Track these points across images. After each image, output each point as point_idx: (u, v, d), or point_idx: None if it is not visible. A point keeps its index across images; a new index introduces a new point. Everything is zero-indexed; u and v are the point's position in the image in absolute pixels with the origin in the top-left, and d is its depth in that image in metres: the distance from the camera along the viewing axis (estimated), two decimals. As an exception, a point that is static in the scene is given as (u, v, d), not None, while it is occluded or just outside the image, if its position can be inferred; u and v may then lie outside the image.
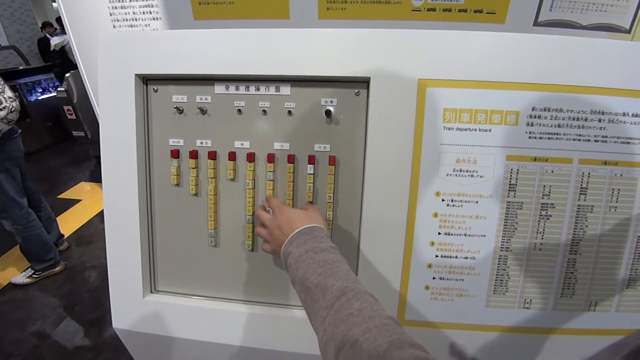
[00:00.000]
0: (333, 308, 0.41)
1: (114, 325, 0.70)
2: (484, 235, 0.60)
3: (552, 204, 0.59)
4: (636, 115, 0.57)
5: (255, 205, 0.66)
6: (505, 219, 0.60)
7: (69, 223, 2.69)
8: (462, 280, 0.62)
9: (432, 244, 0.61)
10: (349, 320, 0.39)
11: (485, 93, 0.57)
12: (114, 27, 0.97)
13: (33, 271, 2.10)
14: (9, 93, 1.69)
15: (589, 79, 0.56)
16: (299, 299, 0.48)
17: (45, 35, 5.48)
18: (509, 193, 0.59)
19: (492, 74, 0.57)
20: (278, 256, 0.56)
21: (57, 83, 4.12)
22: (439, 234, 0.61)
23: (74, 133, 3.36)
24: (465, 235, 0.61)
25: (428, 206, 0.60)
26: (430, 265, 0.62)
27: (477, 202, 0.60)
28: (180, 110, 0.65)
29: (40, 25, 5.84)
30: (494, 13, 0.83)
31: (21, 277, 2.09)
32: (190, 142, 0.66)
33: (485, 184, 0.59)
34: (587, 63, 0.56)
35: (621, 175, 0.58)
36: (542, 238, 0.60)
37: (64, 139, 4.22)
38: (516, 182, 0.59)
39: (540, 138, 0.58)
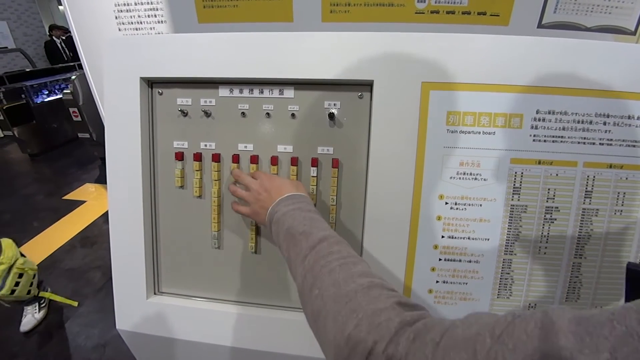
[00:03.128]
0: (314, 249, 0.44)
1: (117, 326, 0.70)
2: (488, 239, 0.60)
3: (557, 208, 0.59)
4: (642, 118, 0.56)
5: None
6: (509, 223, 0.60)
7: (73, 224, 2.71)
8: (466, 283, 0.62)
9: (436, 247, 0.61)
10: (328, 256, 0.43)
11: (488, 96, 0.57)
12: (119, 30, 0.98)
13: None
14: None
15: (593, 82, 0.56)
16: (281, 251, 0.50)
17: (52, 38, 5.54)
18: (513, 196, 0.59)
19: (495, 77, 0.57)
20: (257, 218, 0.59)
21: (63, 85, 4.16)
22: (443, 237, 0.61)
23: (79, 135, 3.38)
24: (469, 238, 0.60)
25: (431, 209, 0.60)
26: (433, 269, 0.62)
27: (480, 205, 0.59)
28: (184, 113, 0.65)
29: (47, 28, 5.91)
30: (498, 15, 0.83)
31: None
32: (194, 145, 0.66)
33: (489, 187, 0.59)
34: (591, 66, 0.56)
35: (626, 178, 0.58)
36: (547, 242, 0.60)
37: (69, 141, 4.26)
38: (520, 185, 0.59)
39: (545, 141, 0.57)
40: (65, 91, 3.17)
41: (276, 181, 0.58)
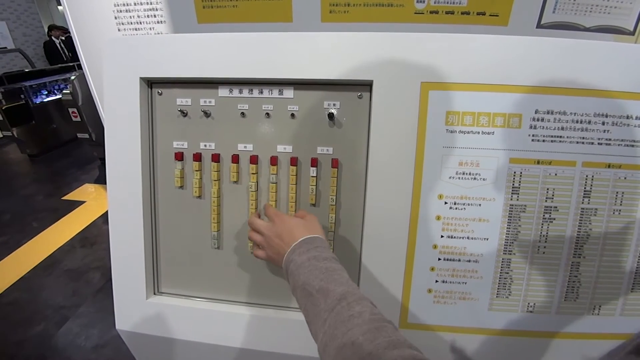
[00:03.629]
0: (334, 311, 0.42)
1: (117, 326, 0.70)
2: (487, 239, 0.60)
3: (556, 207, 0.59)
4: (640, 118, 0.56)
5: (258, 208, 0.66)
6: (508, 222, 0.60)
7: (73, 224, 2.70)
8: (465, 283, 0.62)
9: (435, 246, 0.61)
10: (349, 321, 0.39)
11: (488, 96, 0.57)
12: (119, 30, 0.98)
13: None
14: None
15: (592, 82, 0.56)
16: (299, 305, 0.49)
17: (52, 38, 5.53)
18: (512, 196, 0.59)
19: (494, 77, 0.57)
20: (274, 263, 0.56)
21: (62, 85, 4.16)
22: (442, 236, 0.61)
23: (79, 135, 3.38)
24: (468, 238, 0.60)
25: (431, 209, 0.60)
26: (433, 269, 0.62)
27: (480, 205, 0.59)
28: (184, 113, 0.66)
29: (46, 28, 5.91)
30: (497, 15, 0.83)
31: None
32: (194, 145, 0.67)
33: (488, 186, 0.59)
34: (590, 66, 0.56)
35: (625, 178, 0.58)
36: (546, 241, 0.60)
37: (68, 141, 4.26)
38: (519, 185, 0.59)
39: (544, 141, 0.58)
40: (64, 91, 3.16)
41: (287, 224, 0.56)
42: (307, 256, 0.50)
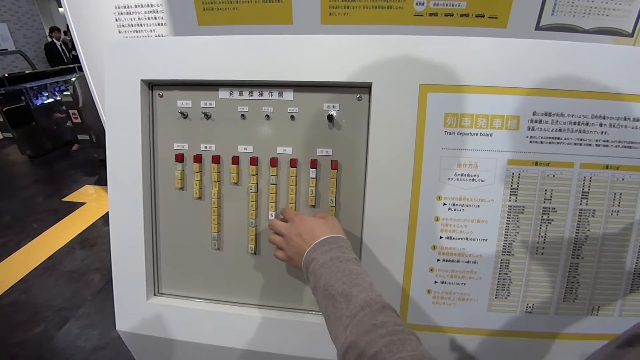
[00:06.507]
0: (356, 318, 0.41)
1: (117, 327, 0.70)
2: (486, 240, 0.61)
3: (554, 208, 0.59)
4: (637, 120, 0.57)
5: (258, 209, 0.67)
6: (506, 223, 0.60)
7: (73, 226, 2.71)
8: (464, 284, 0.62)
9: (434, 247, 0.61)
10: (372, 331, 0.39)
11: (486, 98, 0.57)
12: (120, 32, 0.98)
13: None
14: None
15: (589, 84, 0.56)
16: (319, 306, 0.48)
17: (52, 40, 5.55)
18: (510, 197, 0.59)
19: (493, 79, 0.57)
20: (293, 263, 0.56)
21: (62, 87, 4.17)
22: (441, 237, 0.61)
23: (79, 137, 3.39)
24: (467, 239, 0.61)
25: (430, 210, 0.60)
26: (432, 269, 0.62)
27: (478, 206, 0.60)
28: (184, 115, 0.66)
29: (47, 30, 5.92)
30: (496, 17, 0.83)
31: None
32: (194, 147, 0.67)
33: (487, 188, 0.59)
34: (587, 68, 0.56)
35: (623, 179, 0.58)
36: (544, 242, 0.60)
37: (69, 143, 4.26)
38: (517, 186, 0.59)
39: (542, 142, 0.58)
40: (65, 93, 3.17)
41: (308, 223, 0.55)
42: (330, 256, 0.49)
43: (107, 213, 0.68)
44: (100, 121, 0.90)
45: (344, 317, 0.42)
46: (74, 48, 1.02)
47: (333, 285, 0.45)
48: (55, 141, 4.18)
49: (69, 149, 4.06)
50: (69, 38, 5.45)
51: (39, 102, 3.94)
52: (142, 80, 0.64)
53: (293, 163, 0.65)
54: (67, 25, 0.99)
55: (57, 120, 4.07)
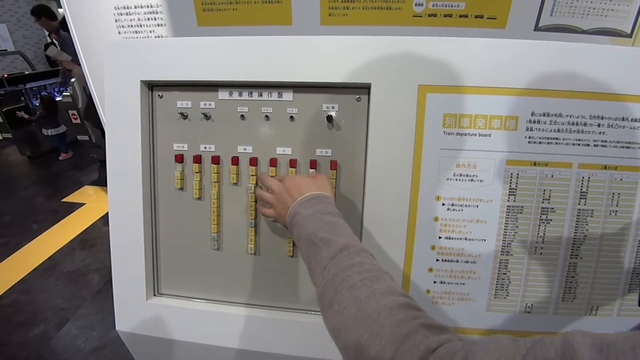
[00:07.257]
0: (335, 259, 0.43)
1: (117, 328, 0.70)
2: (485, 240, 0.61)
3: (552, 208, 0.60)
4: (636, 120, 0.57)
5: (258, 210, 0.67)
6: (505, 223, 0.60)
7: (72, 226, 2.71)
8: (463, 284, 0.62)
9: (433, 248, 0.62)
10: (349, 269, 0.41)
11: (484, 98, 0.58)
12: (119, 33, 0.98)
13: None
14: None
15: (587, 84, 0.57)
16: (301, 254, 0.50)
17: (52, 41, 5.55)
18: (509, 197, 0.60)
19: (491, 80, 0.57)
20: (281, 221, 0.57)
21: (62, 88, 4.17)
22: (440, 238, 0.61)
23: (79, 137, 3.39)
24: (465, 239, 0.61)
25: (429, 210, 0.61)
26: (431, 269, 0.62)
27: (477, 206, 0.60)
28: (184, 116, 0.66)
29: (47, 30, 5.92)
30: (495, 18, 0.84)
31: None
32: (194, 147, 0.67)
33: (486, 188, 0.59)
34: (586, 68, 0.56)
35: (621, 179, 0.58)
36: (543, 242, 0.60)
37: (68, 143, 4.26)
38: (516, 186, 0.59)
39: (540, 143, 0.58)
40: (64, 94, 3.17)
41: (297, 180, 0.56)
42: (314, 210, 0.50)
43: (107, 213, 0.68)
44: (100, 122, 0.91)
45: (324, 259, 0.44)
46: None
47: (315, 233, 0.47)
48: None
49: (57, 157, 4.03)
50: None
51: (38, 103, 3.94)
52: (141, 81, 0.64)
53: (292, 163, 0.65)
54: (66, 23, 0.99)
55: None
